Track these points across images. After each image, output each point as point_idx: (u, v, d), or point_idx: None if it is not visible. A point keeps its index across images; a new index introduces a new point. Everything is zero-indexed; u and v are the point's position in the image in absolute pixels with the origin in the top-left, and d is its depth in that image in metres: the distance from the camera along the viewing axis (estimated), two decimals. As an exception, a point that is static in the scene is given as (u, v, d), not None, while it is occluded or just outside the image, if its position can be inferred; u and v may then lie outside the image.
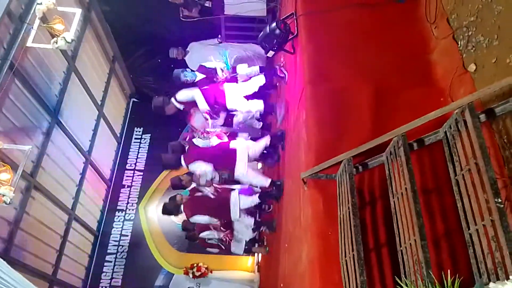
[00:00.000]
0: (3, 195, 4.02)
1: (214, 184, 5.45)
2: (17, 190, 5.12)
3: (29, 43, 4.79)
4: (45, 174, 5.97)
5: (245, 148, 5.10)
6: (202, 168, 5.09)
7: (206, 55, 6.24)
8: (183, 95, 5.60)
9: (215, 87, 5.57)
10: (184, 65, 6.48)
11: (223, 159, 5.10)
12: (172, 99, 5.63)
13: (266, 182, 5.06)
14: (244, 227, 5.84)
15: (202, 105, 5.45)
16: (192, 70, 6.05)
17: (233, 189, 5.43)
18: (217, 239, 6.17)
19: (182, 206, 5.48)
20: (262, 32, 4.15)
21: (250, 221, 5.64)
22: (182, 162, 5.24)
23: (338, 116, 3.25)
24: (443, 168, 2.63)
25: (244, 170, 4.98)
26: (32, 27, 4.80)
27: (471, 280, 2.12)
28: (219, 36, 6.61)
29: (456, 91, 3.01)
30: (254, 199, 5.29)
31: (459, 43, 3.03)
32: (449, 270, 1.27)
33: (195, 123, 5.82)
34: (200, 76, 5.86)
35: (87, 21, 6.88)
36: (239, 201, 5.26)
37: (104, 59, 7.85)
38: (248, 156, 5.07)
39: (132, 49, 8.52)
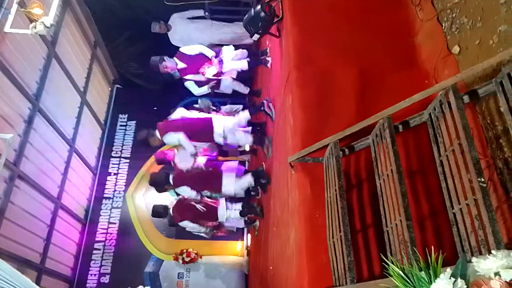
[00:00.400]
0: (-14, 185, 3.95)
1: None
2: (1, 180, 5.04)
3: (7, 29, 4.65)
4: (29, 163, 5.86)
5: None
6: (187, 193, 5.40)
7: (191, 31, 6.15)
8: (169, 138, 5.41)
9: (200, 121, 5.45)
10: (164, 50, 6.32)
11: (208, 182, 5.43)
12: (157, 133, 5.46)
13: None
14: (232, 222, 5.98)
15: (189, 148, 5.35)
16: (171, 58, 5.89)
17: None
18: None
19: (171, 209, 5.66)
20: (247, 15, 4.09)
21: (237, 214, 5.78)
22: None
23: (324, 99, 3.25)
24: (427, 150, 2.67)
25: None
26: (10, 12, 4.65)
27: (455, 258, 2.17)
28: (205, 11, 6.42)
29: (440, 73, 3.04)
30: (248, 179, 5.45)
31: (443, 25, 3.05)
32: (432, 247, 1.30)
33: (179, 163, 5.67)
34: (181, 65, 5.77)
35: (67, 5, 6.68)
36: (225, 209, 5.59)
37: (85, 45, 7.66)
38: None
39: (114, 34, 8.31)
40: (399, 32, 3.48)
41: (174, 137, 5.25)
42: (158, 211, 5.88)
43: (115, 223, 7.78)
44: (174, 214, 5.66)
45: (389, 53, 3.41)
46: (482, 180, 2.07)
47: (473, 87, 2.48)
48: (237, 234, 7.23)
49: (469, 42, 2.75)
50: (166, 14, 6.75)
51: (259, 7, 3.92)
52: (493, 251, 1.19)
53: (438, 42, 3.09)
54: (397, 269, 1.32)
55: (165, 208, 5.82)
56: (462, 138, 2.21)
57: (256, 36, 4.09)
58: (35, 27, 4.51)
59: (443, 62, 3.02)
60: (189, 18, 6.47)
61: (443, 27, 3.05)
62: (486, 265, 1.16)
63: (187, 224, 5.71)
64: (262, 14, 3.88)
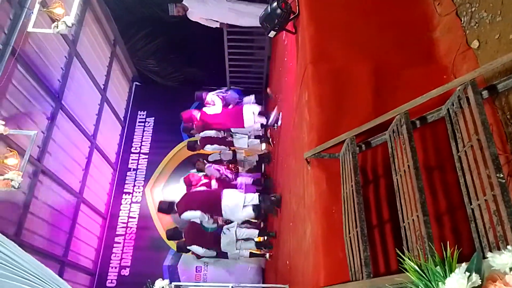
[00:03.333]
0: (11, 180, 4.09)
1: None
2: (25, 175, 5.21)
3: (29, 28, 4.79)
4: (52, 159, 6.04)
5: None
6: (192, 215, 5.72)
7: (207, 6, 6.25)
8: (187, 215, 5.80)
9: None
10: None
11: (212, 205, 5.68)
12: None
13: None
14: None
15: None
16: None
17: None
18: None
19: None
20: (263, 12, 4.11)
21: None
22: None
23: (340, 95, 3.25)
24: (445, 145, 2.65)
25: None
26: (32, 12, 4.79)
27: (473, 254, 2.16)
28: None
29: (459, 68, 3.00)
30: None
31: (462, 19, 3.00)
32: (448, 243, 1.31)
33: None
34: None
35: (87, 4, 6.82)
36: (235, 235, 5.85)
37: (105, 43, 7.82)
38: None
39: (132, 32, 8.46)
40: (417, 27, 3.44)
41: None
42: (163, 208, 6.10)
43: (134, 218, 7.95)
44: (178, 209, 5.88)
45: (406, 48, 3.38)
46: (501, 176, 2.05)
47: (493, 82, 2.45)
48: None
49: (488, 37, 2.71)
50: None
51: (275, 3, 3.93)
52: (508, 246, 1.19)
53: (457, 37, 3.04)
54: (412, 264, 1.34)
55: (171, 204, 6.01)
56: (480, 133, 2.19)
57: (272, 33, 4.10)
58: (57, 27, 4.63)
59: (462, 57, 2.98)
60: None
61: (462, 22, 3.01)
62: (501, 260, 1.17)
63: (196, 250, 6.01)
64: (279, 11, 3.89)
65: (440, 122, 2.70)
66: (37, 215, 5.72)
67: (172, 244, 7.61)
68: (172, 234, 6.27)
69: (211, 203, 5.67)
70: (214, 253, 6.11)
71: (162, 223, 7.83)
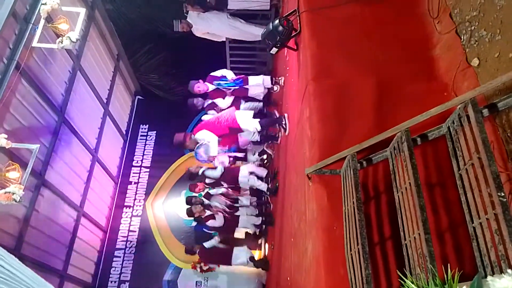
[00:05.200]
0: (13, 193, 4.10)
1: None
2: (27, 188, 5.22)
3: (34, 43, 4.85)
4: (54, 172, 6.05)
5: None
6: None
7: (210, 23, 6.33)
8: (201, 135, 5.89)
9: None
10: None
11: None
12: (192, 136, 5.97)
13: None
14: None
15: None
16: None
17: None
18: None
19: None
20: (265, 30, 4.16)
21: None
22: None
23: (341, 112, 3.27)
24: (446, 163, 2.66)
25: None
26: (37, 27, 4.86)
27: (475, 272, 2.15)
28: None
29: (459, 86, 3.02)
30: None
31: (462, 37, 3.04)
32: (448, 264, 1.31)
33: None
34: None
35: (91, 20, 6.92)
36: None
37: (108, 58, 7.90)
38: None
39: (136, 47, 8.56)
40: (417, 44, 3.48)
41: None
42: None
43: (135, 231, 7.92)
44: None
45: (407, 66, 3.41)
46: (502, 194, 2.05)
47: (493, 100, 2.47)
48: (254, 244, 7.26)
49: (488, 55, 2.73)
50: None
51: (277, 21, 3.98)
52: (508, 270, 1.19)
53: (457, 55, 3.08)
54: (412, 286, 1.33)
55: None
56: (481, 152, 2.20)
57: (274, 50, 4.15)
58: (61, 42, 4.69)
59: (462, 75, 3.00)
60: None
61: (462, 40, 3.04)
62: (501, 284, 1.16)
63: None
64: (280, 28, 3.95)
65: (441, 139, 2.70)
66: (37, 229, 5.70)
67: (172, 259, 7.57)
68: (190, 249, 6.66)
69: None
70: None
71: (163, 238, 7.79)
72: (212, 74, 6.31)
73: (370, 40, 3.55)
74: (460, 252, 2.54)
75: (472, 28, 2.92)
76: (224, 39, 6.82)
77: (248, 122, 5.61)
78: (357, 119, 3.23)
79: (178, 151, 8.28)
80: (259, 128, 5.60)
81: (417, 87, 3.26)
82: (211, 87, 6.22)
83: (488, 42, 2.76)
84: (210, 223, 6.63)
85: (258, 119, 5.67)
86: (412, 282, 1.33)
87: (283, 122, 5.38)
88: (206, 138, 5.69)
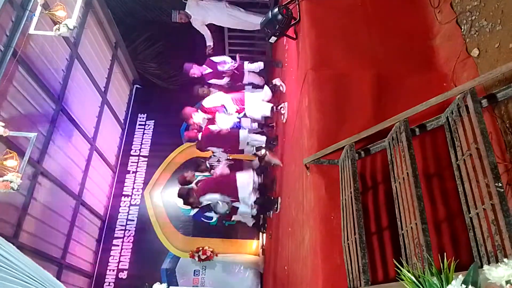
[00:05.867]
0: (11, 182, 4.09)
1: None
2: (24, 177, 5.21)
3: (31, 31, 4.80)
4: (52, 161, 6.03)
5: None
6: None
7: (209, 13, 6.31)
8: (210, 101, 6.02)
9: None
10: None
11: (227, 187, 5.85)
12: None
13: None
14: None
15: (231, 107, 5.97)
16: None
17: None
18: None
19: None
20: (264, 18, 4.12)
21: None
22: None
23: (340, 101, 3.26)
24: (444, 153, 2.66)
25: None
26: (34, 14, 4.80)
27: (472, 262, 2.16)
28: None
29: (459, 76, 3.01)
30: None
31: (463, 27, 3.02)
32: (445, 253, 1.31)
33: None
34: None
35: (89, 7, 6.83)
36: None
37: (106, 46, 7.82)
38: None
39: (134, 35, 8.48)
40: (418, 34, 3.46)
41: None
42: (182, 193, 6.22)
43: (133, 220, 7.94)
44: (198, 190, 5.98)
45: (407, 56, 3.39)
46: (500, 185, 2.05)
47: (492, 91, 2.46)
48: (252, 233, 7.30)
49: (488, 45, 2.72)
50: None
51: (276, 9, 3.94)
52: (505, 259, 1.20)
53: (457, 45, 3.06)
54: (408, 274, 1.34)
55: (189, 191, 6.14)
56: (479, 142, 2.20)
57: (273, 38, 4.12)
58: (58, 29, 4.64)
59: (462, 65, 2.99)
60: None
61: (462, 30, 3.02)
62: (497, 273, 1.17)
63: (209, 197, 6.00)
64: (280, 16, 3.91)
65: (439, 130, 2.71)
66: (35, 217, 5.70)
67: (171, 248, 7.61)
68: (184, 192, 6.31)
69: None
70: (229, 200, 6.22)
71: (161, 227, 7.83)
72: (211, 58, 6.30)
73: (370, 30, 3.52)
74: (456, 242, 2.56)
75: (473, 18, 2.89)
76: (210, 44, 6.77)
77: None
78: (355, 109, 3.22)
79: (177, 140, 8.27)
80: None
81: (417, 78, 3.24)
82: (207, 70, 6.22)
83: (488, 32, 2.74)
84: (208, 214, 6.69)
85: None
86: (408, 271, 1.33)
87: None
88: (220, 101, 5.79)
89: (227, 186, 5.78)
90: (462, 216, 2.35)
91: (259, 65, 6.65)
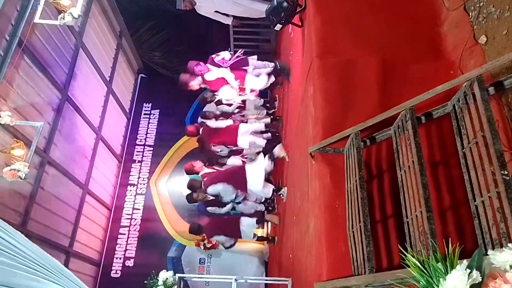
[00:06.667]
0: (18, 171, 4.14)
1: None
2: (31, 166, 5.27)
3: (36, 19, 4.81)
4: (58, 150, 6.09)
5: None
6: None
7: (214, 3, 6.23)
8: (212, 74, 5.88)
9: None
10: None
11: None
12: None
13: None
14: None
15: (232, 81, 5.81)
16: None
17: None
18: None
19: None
20: (269, 5, 4.09)
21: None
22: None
23: (346, 89, 3.24)
24: (450, 141, 2.64)
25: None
26: (39, 3, 4.80)
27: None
28: None
29: (466, 63, 2.97)
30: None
31: (470, 14, 2.97)
32: (450, 239, 1.32)
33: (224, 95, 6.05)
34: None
35: (93, -5, 6.83)
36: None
37: (111, 35, 7.82)
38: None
39: (139, 24, 8.46)
40: (424, 21, 3.41)
41: None
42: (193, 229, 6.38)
43: (139, 209, 8.01)
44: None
45: (413, 43, 3.35)
46: (506, 173, 2.04)
47: (499, 78, 2.43)
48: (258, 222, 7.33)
49: (496, 32, 2.68)
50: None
51: (282, -4, 3.91)
52: (509, 244, 1.20)
53: (464, 32, 3.02)
54: (413, 260, 1.35)
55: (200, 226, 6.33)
56: (486, 130, 2.18)
57: (278, 26, 4.09)
58: (63, 18, 4.64)
59: (469, 52, 2.95)
60: None
61: (470, 17, 2.98)
62: (502, 257, 1.17)
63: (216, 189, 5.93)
64: (285, 4, 3.88)
65: (445, 118, 2.68)
66: (43, 206, 5.78)
67: (176, 236, 7.68)
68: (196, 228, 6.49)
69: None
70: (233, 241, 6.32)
71: (166, 216, 7.90)
72: (213, 56, 6.23)
73: (377, 17, 3.48)
74: (461, 230, 2.56)
75: (481, 4, 2.85)
76: (230, 22, 6.70)
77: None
78: (361, 97, 3.20)
79: (182, 129, 8.27)
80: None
81: (423, 65, 3.21)
82: (212, 68, 6.13)
83: (496, 19, 2.70)
84: (211, 209, 6.66)
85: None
86: (413, 256, 1.34)
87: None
88: (221, 75, 5.76)
89: (236, 178, 5.77)
90: (467, 204, 2.34)
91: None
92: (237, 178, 5.71)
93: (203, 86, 6.04)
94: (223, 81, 5.82)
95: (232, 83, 5.72)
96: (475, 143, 2.28)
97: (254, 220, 6.16)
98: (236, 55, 6.04)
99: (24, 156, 4.46)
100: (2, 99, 4.75)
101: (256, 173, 5.61)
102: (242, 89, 5.91)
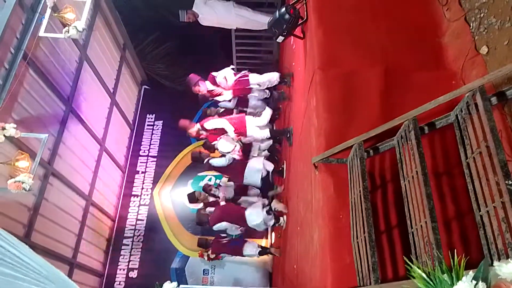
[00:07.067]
0: (23, 182, 4.15)
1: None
2: (36, 177, 5.29)
3: (41, 33, 4.87)
4: (62, 162, 6.12)
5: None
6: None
7: (217, 12, 6.28)
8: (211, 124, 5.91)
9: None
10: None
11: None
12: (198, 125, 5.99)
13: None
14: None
15: (231, 133, 5.80)
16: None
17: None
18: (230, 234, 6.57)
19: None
20: (271, 18, 4.14)
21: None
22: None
23: (348, 100, 3.26)
24: (454, 151, 2.65)
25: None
26: (44, 17, 4.87)
27: (482, 261, 2.15)
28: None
29: (468, 74, 2.99)
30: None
31: (471, 25, 3.00)
32: (456, 250, 1.32)
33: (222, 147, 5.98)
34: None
35: (97, 9, 6.91)
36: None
37: (115, 47, 7.90)
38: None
39: (142, 36, 8.56)
40: (426, 32, 3.44)
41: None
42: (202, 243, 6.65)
43: (143, 220, 8.01)
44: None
45: (415, 54, 3.38)
46: (510, 182, 2.04)
47: (502, 88, 2.45)
48: (261, 233, 7.31)
49: (497, 43, 2.70)
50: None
51: (283, 9, 3.95)
52: (515, 256, 1.20)
53: (465, 43, 3.04)
54: (419, 271, 1.35)
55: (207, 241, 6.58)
56: (489, 140, 2.19)
57: (280, 38, 4.13)
58: (68, 31, 4.70)
59: (471, 63, 2.97)
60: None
61: (471, 27, 3.01)
62: (507, 268, 1.17)
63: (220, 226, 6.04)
64: (287, 16, 3.92)
65: (448, 128, 2.69)
66: (47, 217, 5.79)
67: (180, 247, 7.66)
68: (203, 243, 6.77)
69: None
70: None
71: (170, 227, 7.88)
72: (213, 74, 6.19)
73: (378, 28, 3.51)
74: (466, 241, 2.55)
75: (482, 15, 2.88)
76: (234, 28, 6.77)
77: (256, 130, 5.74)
78: (364, 108, 3.21)
79: (185, 140, 8.31)
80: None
81: (425, 76, 3.23)
82: (210, 86, 6.12)
83: (497, 30, 2.72)
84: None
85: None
86: (419, 268, 1.34)
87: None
88: (220, 125, 5.73)
89: (236, 217, 5.88)
90: (472, 214, 2.34)
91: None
92: (238, 218, 5.84)
93: (201, 134, 6.03)
94: (221, 131, 5.84)
95: (231, 134, 5.72)
96: (479, 153, 2.28)
97: (256, 246, 6.49)
98: (239, 75, 5.98)
99: (29, 168, 4.47)
100: (7, 111, 4.80)
101: (256, 215, 5.75)
102: (240, 135, 5.96)
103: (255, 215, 5.72)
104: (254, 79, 5.91)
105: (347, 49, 3.49)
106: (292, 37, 4.34)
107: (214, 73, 6.13)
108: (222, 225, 5.91)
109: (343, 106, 3.25)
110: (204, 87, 6.07)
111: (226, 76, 6.00)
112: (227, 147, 5.79)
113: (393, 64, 3.33)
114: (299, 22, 4.06)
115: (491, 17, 2.76)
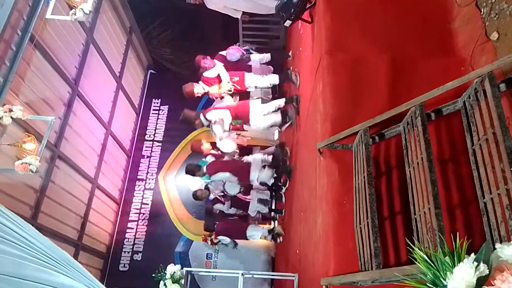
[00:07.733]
0: (29, 164, 4.20)
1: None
2: (42, 160, 5.34)
3: (48, 15, 4.85)
4: (68, 145, 6.16)
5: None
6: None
7: None
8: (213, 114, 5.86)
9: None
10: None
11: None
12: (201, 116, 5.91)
13: None
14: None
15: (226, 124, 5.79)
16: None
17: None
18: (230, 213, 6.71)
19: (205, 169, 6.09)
20: (279, 2, 4.09)
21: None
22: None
23: (355, 86, 3.23)
24: (460, 138, 2.63)
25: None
26: (51, -1, 4.85)
27: (484, 247, 2.16)
28: None
29: (477, 60, 2.95)
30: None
31: (482, 10, 2.95)
32: (458, 234, 1.32)
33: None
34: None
35: (104, -9, 6.88)
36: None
37: (121, 31, 7.87)
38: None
39: (149, 20, 8.51)
40: (436, 17, 3.38)
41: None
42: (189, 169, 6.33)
43: (147, 204, 8.08)
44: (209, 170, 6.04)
45: (424, 39, 3.33)
46: (516, 169, 2.03)
47: (511, 75, 2.41)
48: (264, 218, 7.36)
49: (508, 29, 2.65)
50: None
51: (291, -8, 3.91)
52: (518, 238, 1.20)
53: (476, 28, 2.99)
54: (421, 253, 1.35)
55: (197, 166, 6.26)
56: (496, 127, 2.17)
57: (288, 22, 4.09)
58: (74, 14, 4.68)
59: (481, 49, 2.93)
60: None
61: (482, 13, 2.95)
62: (509, 251, 1.17)
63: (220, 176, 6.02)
64: (295, 0, 3.87)
65: (455, 115, 2.67)
66: (53, 199, 5.86)
67: (184, 231, 7.74)
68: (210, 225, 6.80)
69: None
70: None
71: (174, 211, 7.95)
72: (220, 53, 6.24)
73: (387, 13, 3.46)
74: (469, 228, 2.54)
75: (493, 0, 2.82)
76: (239, 17, 6.71)
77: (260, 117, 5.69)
78: (371, 94, 3.19)
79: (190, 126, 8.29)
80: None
81: (434, 62, 3.19)
82: (218, 64, 6.14)
83: (508, 16, 2.67)
84: (217, 206, 6.76)
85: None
86: (420, 249, 1.34)
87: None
88: (220, 116, 5.71)
89: (239, 169, 5.87)
90: (476, 201, 2.34)
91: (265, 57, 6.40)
92: (242, 173, 5.84)
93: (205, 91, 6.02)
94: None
95: (226, 126, 5.69)
96: (485, 140, 2.26)
97: (259, 229, 6.52)
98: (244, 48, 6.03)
99: (35, 150, 4.52)
100: (14, 93, 4.82)
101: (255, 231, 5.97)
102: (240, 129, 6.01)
103: (254, 231, 6.04)
104: (251, 81, 5.92)
105: (355, 35, 3.45)
106: (299, 21, 4.29)
107: (222, 52, 6.13)
108: (225, 175, 5.90)
109: (349, 92, 3.23)
110: (209, 64, 6.02)
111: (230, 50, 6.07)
112: (228, 147, 5.95)
113: (401, 50, 3.29)
114: (307, 6, 4.01)
115: (503, 3, 2.71)
